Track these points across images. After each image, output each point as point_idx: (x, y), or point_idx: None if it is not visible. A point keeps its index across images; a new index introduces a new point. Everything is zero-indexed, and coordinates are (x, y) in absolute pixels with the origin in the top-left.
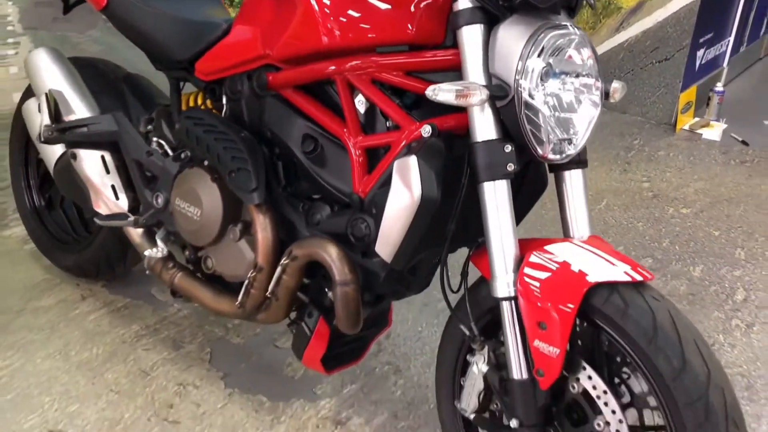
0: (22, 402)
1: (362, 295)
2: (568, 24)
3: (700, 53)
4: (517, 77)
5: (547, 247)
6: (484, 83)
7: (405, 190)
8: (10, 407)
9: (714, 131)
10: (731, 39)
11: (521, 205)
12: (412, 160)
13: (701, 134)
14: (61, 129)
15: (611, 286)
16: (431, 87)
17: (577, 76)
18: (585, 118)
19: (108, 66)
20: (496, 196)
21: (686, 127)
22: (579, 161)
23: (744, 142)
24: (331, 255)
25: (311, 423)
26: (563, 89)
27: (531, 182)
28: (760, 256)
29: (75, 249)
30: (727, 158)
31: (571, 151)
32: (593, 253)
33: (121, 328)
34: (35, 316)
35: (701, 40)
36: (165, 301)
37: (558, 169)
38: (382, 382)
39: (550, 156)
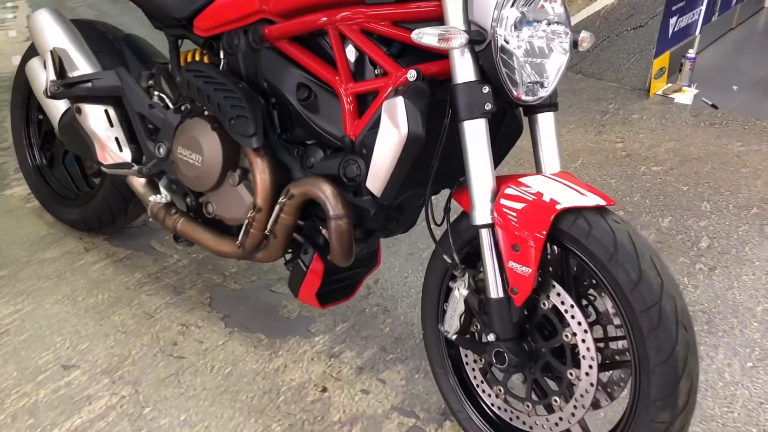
0: (35, 342)
1: (354, 230)
2: None
3: (672, 21)
4: (493, 24)
5: (521, 180)
6: (464, 29)
7: (393, 128)
8: (24, 347)
9: (686, 96)
10: (703, 8)
11: (499, 149)
12: (399, 101)
13: (673, 98)
14: (67, 84)
15: (577, 211)
16: (416, 31)
17: (548, 24)
18: (555, 63)
19: (107, 27)
20: (475, 133)
21: (659, 92)
22: (550, 104)
23: (714, 106)
24: (325, 192)
25: (306, 356)
26: (535, 36)
27: (507, 127)
28: (724, 208)
29: (78, 204)
30: (697, 120)
31: (543, 93)
32: (562, 183)
33: (125, 276)
34: (42, 266)
35: (674, 8)
36: (164, 252)
37: (531, 111)
38: (371, 320)
39: (524, 97)
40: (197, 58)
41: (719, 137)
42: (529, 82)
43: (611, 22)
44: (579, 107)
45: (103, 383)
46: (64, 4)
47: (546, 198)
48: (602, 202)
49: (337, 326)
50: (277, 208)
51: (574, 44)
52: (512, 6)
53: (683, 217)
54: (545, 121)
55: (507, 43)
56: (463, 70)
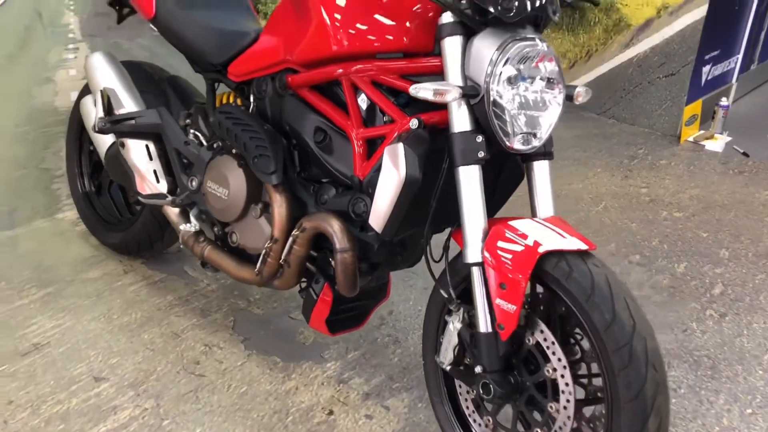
0: (71, 354)
1: (360, 263)
2: (534, 36)
3: (705, 69)
4: (486, 80)
5: (510, 223)
6: (460, 84)
7: (393, 171)
8: (61, 358)
9: (717, 143)
10: (740, 57)
11: (501, 193)
12: (400, 147)
13: (704, 145)
14: (113, 121)
15: (560, 254)
16: (413, 86)
17: (542, 80)
18: (548, 116)
19: (153, 69)
20: (469, 178)
21: (690, 138)
22: (545, 153)
23: (745, 154)
24: (333, 227)
25: (317, 380)
26: (528, 91)
27: (509, 173)
28: (743, 256)
29: (120, 229)
30: (726, 168)
31: (536, 143)
32: (548, 228)
33: (157, 298)
34: (84, 285)
35: (706, 57)
36: (196, 277)
37: (527, 159)
38: (382, 350)
39: (516, 146)
40: (230, 100)
41: (747, 185)
42: (522, 133)
43: (644, 69)
44: (608, 152)
45: (129, 395)
46: (121, 47)
47: (531, 241)
48: (584, 247)
49: (349, 354)
50: (290, 239)
51: (569, 98)
52: (506, 64)
53: (699, 263)
54: (540, 168)
55: (500, 97)
56: (460, 120)
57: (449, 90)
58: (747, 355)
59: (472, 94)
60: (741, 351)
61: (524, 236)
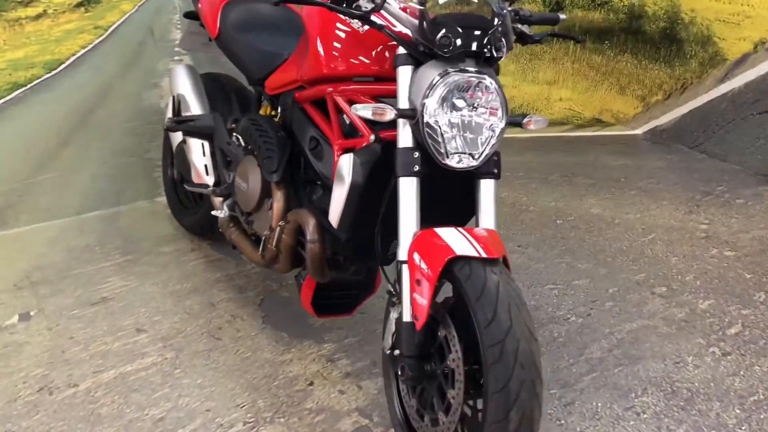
0: (127, 309)
1: (335, 255)
2: (473, 69)
3: None
4: (421, 104)
5: (437, 230)
6: (403, 107)
7: (343, 177)
8: (118, 311)
9: None
10: None
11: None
12: (349, 157)
13: None
14: (178, 121)
15: (467, 259)
16: (354, 106)
17: (475, 107)
18: (483, 140)
19: (228, 80)
20: (406, 188)
21: None
22: (489, 173)
23: None
24: (307, 221)
25: (311, 356)
26: (459, 116)
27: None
28: None
29: (192, 213)
30: None
31: (473, 163)
32: (466, 237)
33: (209, 274)
34: (156, 257)
35: None
36: (245, 260)
37: (475, 176)
38: (376, 339)
39: (452, 164)
40: (269, 111)
41: None
42: (457, 153)
43: (737, 105)
44: (684, 185)
45: (158, 346)
46: (218, 60)
47: (445, 246)
48: (484, 255)
49: (347, 339)
50: (278, 229)
51: (517, 125)
52: (435, 91)
53: (727, 302)
54: (485, 186)
55: (432, 120)
56: (403, 138)
57: (386, 111)
58: (732, 394)
59: (410, 115)
60: (727, 389)
61: (442, 242)
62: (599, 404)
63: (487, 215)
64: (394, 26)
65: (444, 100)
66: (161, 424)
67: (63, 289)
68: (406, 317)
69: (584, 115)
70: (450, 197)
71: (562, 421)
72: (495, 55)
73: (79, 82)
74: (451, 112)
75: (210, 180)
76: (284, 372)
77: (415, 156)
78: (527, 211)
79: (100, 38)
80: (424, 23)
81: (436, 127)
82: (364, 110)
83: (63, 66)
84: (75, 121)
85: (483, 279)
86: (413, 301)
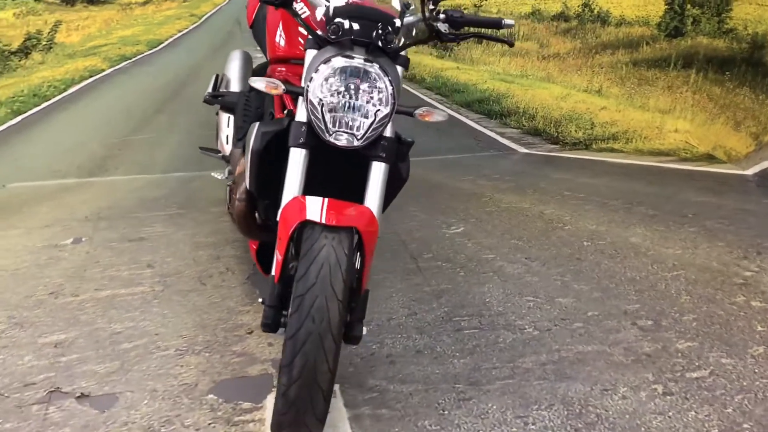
0: (151, 249)
1: (260, 216)
2: (358, 56)
3: None
4: (307, 84)
5: (306, 198)
6: (303, 85)
7: (249, 143)
8: (145, 249)
9: None
10: None
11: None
12: (255, 125)
13: None
14: (213, 95)
15: (314, 224)
16: (251, 78)
17: (355, 90)
18: (365, 122)
19: None
20: (294, 157)
21: None
22: (382, 158)
23: None
24: (240, 183)
25: None
26: (340, 98)
27: (391, 178)
28: None
29: None
30: None
31: (355, 143)
32: (323, 207)
33: (233, 234)
34: (202, 214)
35: None
36: None
37: (369, 159)
38: None
39: (333, 141)
40: None
41: None
42: (340, 131)
43: None
44: (757, 232)
45: (154, 280)
46: None
47: (303, 212)
48: (326, 222)
49: None
50: (227, 190)
51: (410, 115)
52: (321, 72)
53: (712, 349)
54: (374, 168)
55: (314, 98)
56: (299, 113)
57: (278, 87)
58: (642, 429)
59: (300, 92)
60: (640, 425)
61: (303, 208)
62: (494, 407)
63: (371, 195)
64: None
65: (325, 81)
66: (115, 336)
67: (116, 226)
68: (271, 271)
69: (698, 150)
70: (353, 175)
71: (446, 412)
72: (385, 46)
73: (175, 60)
74: (331, 93)
75: (227, 149)
76: (235, 319)
77: (303, 129)
78: (560, 229)
79: (195, 24)
80: (328, 13)
81: (318, 105)
82: (259, 83)
83: (162, 45)
84: (168, 92)
85: (313, 241)
86: (276, 257)
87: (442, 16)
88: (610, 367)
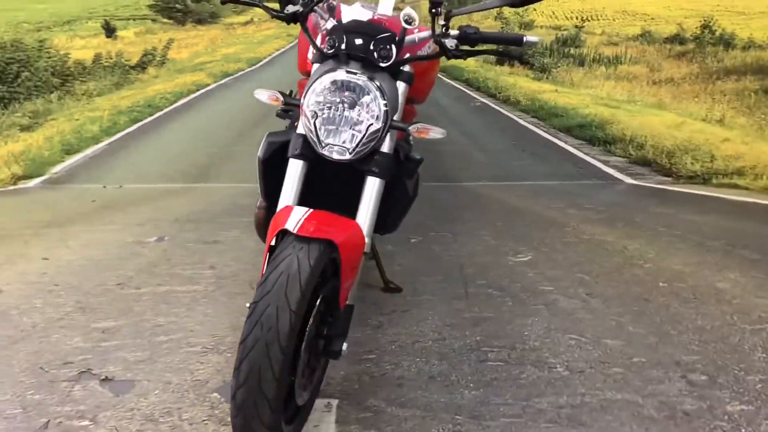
0: (220, 251)
1: None
2: (352, 70)
3: None
4: (304, 96)
5: (294, 208)
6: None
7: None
8: (214, 251)
9: None
10: None
11: (393, 213)
12: (265, 135)
13: None
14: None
15: (290, 234)
16: (256, 90)
17: (350, 105)
18: (355, 135)
19: None
20: (291, 167)
21: None
22: (375, 173)
23: None
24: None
25: None
26: (330, 111)
27: (399, 195)
28: None
29: None
30: None
31: (346, 156)
32: (303, 218)
33: None
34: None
35: None
36: None
37: (365, 174)
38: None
39: (326, 154)
40: None
41: None
42: (331, 144)
43: None
44: None
45: (210, 281)
46: None
47: (284, 220)
48: (299, 233)
49: None
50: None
51: (404, 131)
52: (317, 88)
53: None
54: (368, 183)
55: (314, 112)
56: (301, 125)
57: (278, 98)
58: None
59: (296, 105)
60: None
61: (286, 217)
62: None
63: (362, 210)
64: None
65: (319, 94)
66: (155, 328)
67: (199, 228)
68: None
69: None
70: (351, 190)
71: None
72: (378, 61)
73: (272, 76)
74: (323, 106)
75: None
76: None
77: (300, 141)
78: (638, 267)
79: (290, 44)
80: (330, 28)
81: (311, 118)
82: (262, 95)
83: (261, 63)
84: (266, 107)
85: (282, 250)
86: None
87: (455, 32)
88: (635, 420)
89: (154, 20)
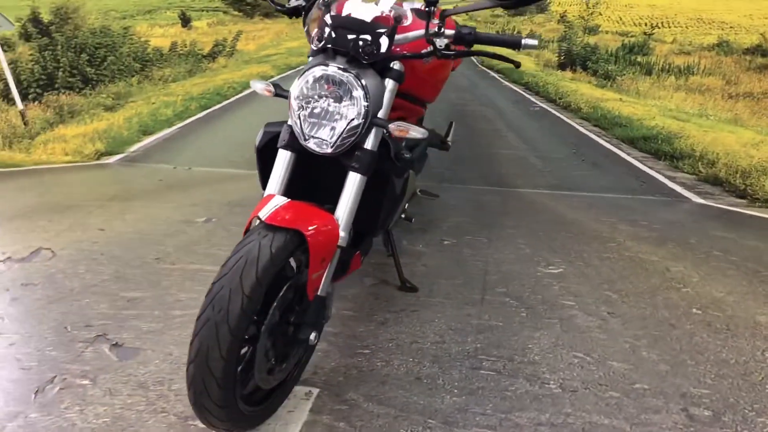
0: None
1: None
2: (336, 65)
3: None
4: (292, 88)
5: (273, 197)
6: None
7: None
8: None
9: None
10: None
11: (385, 210)
12: (264, 125)
13: None
14: None
15: (262, 222)
16: (251, 81)
17: (328, 98)
18: (335, 129)
19: None
20: (279, 158)
21: None
22: (356, 168)
23: None
24: None
25: None
26: (313, 103)
27: (389, 193)
28: None
29: None
30: None
31: (327, 149)
32: (279, 206)
33: None
34: None
35: None
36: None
37: (348, 169)
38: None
39: (310, 146)
40: None
41: None
42: (313, 137)
43: None
44: None
45: None
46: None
47: (260, 209)
48: (266, 222)
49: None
50: None
51: (385, 128)
52: (302, 81)
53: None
54: (349, 178)
55: (300, 105)
56: (290, 117)
57: (269, 89)
58: None
59: (286, 97)
60: None
61: (263, 205)
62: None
63: (341, 203)
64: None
65: (304, 87)
66: (175, 303)
67: (247, 213)
68: None
69: None
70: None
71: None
72: (361, 56)
73: None
74: (307, 99)
75: None
76: None
77: (288, 132)
78: (675, 290)
79: None
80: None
81: (297, 110)
82: (257, 86)
83: None
84: None
85: (248, 236)
86: None
87: (450, 32)
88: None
89: (225, 12)
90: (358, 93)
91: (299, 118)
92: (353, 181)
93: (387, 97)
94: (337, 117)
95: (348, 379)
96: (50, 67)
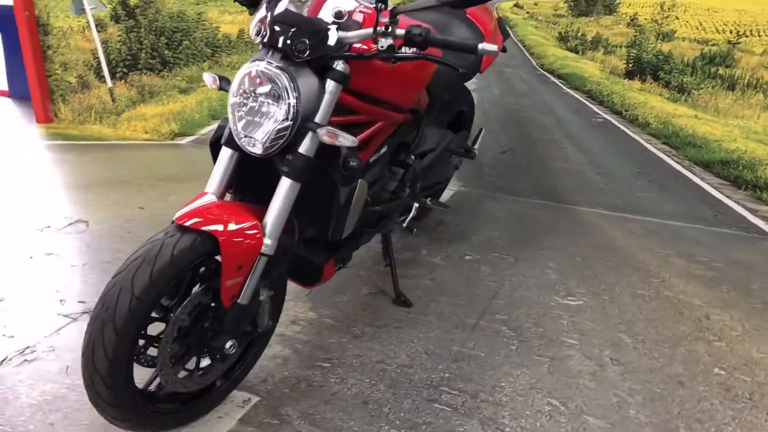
0: None
1: None
2: (270, 61)
3: None
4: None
5: (205, 196)
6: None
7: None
8: None
9: None
10: None
11: (333, 219)
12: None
13: None
14: None
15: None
16: (205, 73)
17: (261, 96)
18: (263, 127)
19: None
20: (220, 156)
21: None
22: (289, 173)
23: None
24: None
25: (321, 299)
26: (241, 101)
27: (336, 203)
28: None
29: None
30: None
31: (256, 150)
32: (199, 206)
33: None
34: None
35: None
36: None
37: (280, 173)
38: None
39: (244, 146)
40: None
41: None
42: (245, 136)
43: None
44: None
45: None
46: (504, 74)
47: (186, 207)
48: (177, 222)
49: (338, 297)
50: None
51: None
52: (237, 77)
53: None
54: (281, 183)
55: (233, 102)
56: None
57: (217, 83)
58: None
59: (227, 90)
60: None
61: (191, 203)
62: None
63: (270, 209)
64: None
65: (238, 84)
66: None
67: None
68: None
69: None
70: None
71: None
72: (291, 54)
73: None
74: (239, 97)
75: None
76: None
77: (228, 131)
78: (705, 343)
79: None
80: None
81: (232, 108)
82: (207, 78)
83: None
84: None
85: (157, 233)
86: None
87: (401, 32)
88: None
89: None
90: (291, 94)
91: (233, 114)
92: (283, 186)
93: (327, 99)
94: (268, 117)
95: (294, 391)
96: (135, 48)
